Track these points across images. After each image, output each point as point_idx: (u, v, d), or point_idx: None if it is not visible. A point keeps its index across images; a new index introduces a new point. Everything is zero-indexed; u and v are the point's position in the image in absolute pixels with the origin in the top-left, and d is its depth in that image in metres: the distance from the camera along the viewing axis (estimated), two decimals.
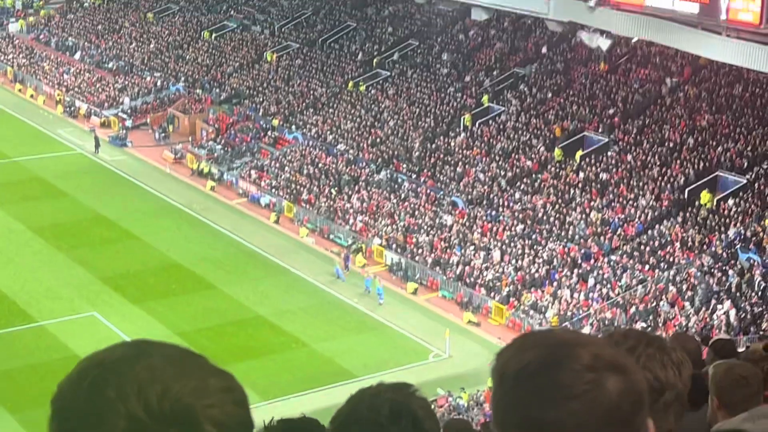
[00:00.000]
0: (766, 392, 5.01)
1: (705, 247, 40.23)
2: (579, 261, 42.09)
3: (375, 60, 60.72)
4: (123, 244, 46.90)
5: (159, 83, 66.75)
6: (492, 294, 41.98)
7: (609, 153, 47.11)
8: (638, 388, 1.69)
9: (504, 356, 1.73)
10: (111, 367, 1.34)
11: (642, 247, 41.44)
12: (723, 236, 40.17)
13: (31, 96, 69.19)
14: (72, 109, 66.05)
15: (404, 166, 51.28)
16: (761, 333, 33.09)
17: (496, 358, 1.74)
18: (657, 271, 40.05)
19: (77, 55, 72.84)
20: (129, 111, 64.24)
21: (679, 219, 42.08)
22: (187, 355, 1.38)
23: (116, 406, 1.30)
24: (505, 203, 46.45)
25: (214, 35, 69.91)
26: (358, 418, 2.54)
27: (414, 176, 50.39)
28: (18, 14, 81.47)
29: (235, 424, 1.35)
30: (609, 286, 40.31)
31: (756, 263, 38.17)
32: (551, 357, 1.67)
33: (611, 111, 49.51)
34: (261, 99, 61.60)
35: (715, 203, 41.94)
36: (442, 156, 51.04)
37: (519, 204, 46.12)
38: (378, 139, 54.03)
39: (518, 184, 47.46)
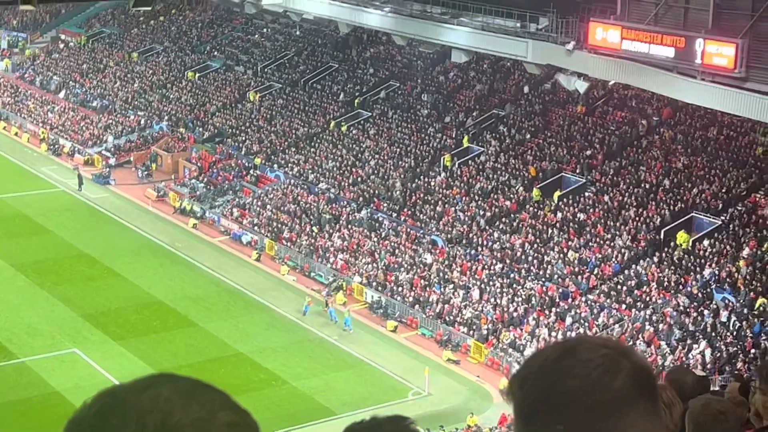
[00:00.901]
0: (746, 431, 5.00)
1: (681, 287, 40.34)
2: (557, 300, 42.13)
3: (356, 100, 60.94)
4: (105, 282, 46.71)
5: (143, 122, 66.78)
6: (471, 332, 41.93)
7: (586, 193, 47.29)
8: (650, 368, 1.78)
9: (523, 363, 1.81)
10: (120, 395, 1.36)
11: (619, 286, 41.52)
12: (698, 276, 40.29)
13: (16, 134, 69.07)
14: (56, 147, 65.95)
15: (385, 205, 51.34)
16: (736, 372, 33.10)
17: (517, 370, 1.81)
18: (633, 310, 40.12)
19: (62, 94, 72.85)
20: (112, 149, 64.21)
21: (656, 259, 42.20)
22: (202, 387, 1.38)
23: (117, 431, 1.31)
24: (484, 242, 46.50)
25: (197, 75, 70.04)
26: None
27: (394, 215, 50.43)
28: (3, 53, 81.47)
29: None
30: (586, 325, 40.33)
31: (731, 303, 38.28)
32: (568, 344, 1.78)
33: (588, 152, 49.74)
34: (243, 138, 61.67)
35: (690, 244, 42.09)
36: (422, 195, 51.12)
37: (498, 243, 46.17)
38: (359, 179, 54.11)
39: (497, 223, 47.55)
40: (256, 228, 52.60)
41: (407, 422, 2.54)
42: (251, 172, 58.28)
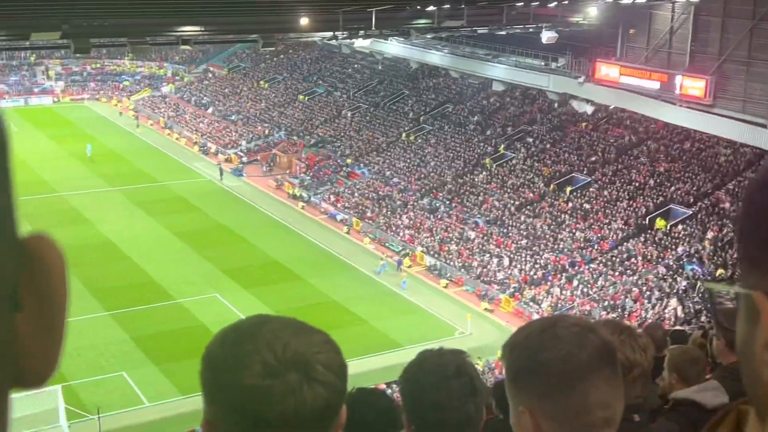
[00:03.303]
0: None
1: (660, 259, 39.71)
2: (567, 267, 41.74)
3: (421, 118, 60.79)
4: (238, 246, 47.27)
5: (267, 131, 67.37)
6: (502, 289, 41.72)
7: (591, 189, 46.72)
8: (612, 343, 1.69)
9: (511, 337, 1.73)
10: (245, 330, 1.39)
11: (613, 258, 40.99)
12: (673, 252, 39.62)
13: (176, 138, 70.13)
14: (205, 148, 66.84)
15: (441, 194, 51.23)
16: (700, 324, 32.53)
17: (508, 339, 1.73)
18: (624, 276, 39.61)
19: (210, 110, 73.78)
20: (245, 151, 64.89)
21: (642, 239, 41.58)
22: (295, 321, 1.44)
23: (253, 355, 1.34)
24: (514, 224, 46.20)
25: (307, 98, 70.43)
26: (428, 372, 2.45)
27: (448, 202, 50.31)
28: (168, 80, 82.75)
29: (336, 365, 1.38)
30: (588, 286, 39.90)
31: (698, 273, 37.60)
32: (547, 323, 1.70)
33: (593, 158, 49.09)
34: (339, 144, 61.92)
35: (668, 228, 41.41)
36: (468, 188, 50.91)
37: (524, 225, 45.84)
38: (422, 175, 54.03)
39: (523, 210, 47.20)
40: (347, 209, 52.83)
41: (464, 355, 2.54)
42: (344, 169, 58.51)
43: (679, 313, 35.44)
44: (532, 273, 41.93)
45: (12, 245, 0.82)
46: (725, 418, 1.02)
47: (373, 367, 32.32)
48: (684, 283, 37.29)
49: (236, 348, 1.36)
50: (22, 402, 28.45)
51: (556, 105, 53.70)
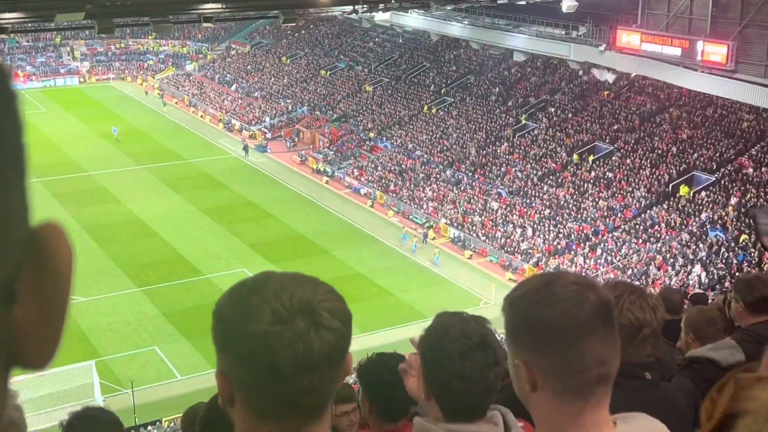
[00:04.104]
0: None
1: (683, 226, 39.44)
2: (590, 236, 41.58)
3: (443, 90, 60.50)
4: (264, 221, 47.50)
5: (290, 107, 67.41)
6: (526, 259, 41.68)
7: (613, 158, 46.38)
8: (610, 301, 1.69)
9: (512, 291, 1.74)
10: (251, 285, 1.45)
11: (637, 226, 40.77)
12: (697, 219, 39.33)
13: (201, 116, 70.40)
14: (229, 125, 67.05)
15: (463, 166, 51.09)
16: (724, 289, 32.36)
17: (509, 293, 1.74)
18: (648, 243, 39.40)
19: (233, 87, 73.90)
20: (269, 127, 65.03)
21: (665, 206, 41.29)
22: (300, 274, 1.50)
23: (261, 305, 1.39)
24: (537, 194, 46.02)
25: (328, 72, 70.30)
26: (452, 339, 2.39)
27: (471, 174, 50.18)
28: (192, 58, 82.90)
29: (340, 312, 1.45)
30: (612, 254, 39.76)
31: (721, 239, 37.33)
32: (546, 279, 1.69)
33: (615, 127, 48.68)
34: (361, 118, 61.84)
35: (691, 195, 41.07)
36: (491, 159, 50.72)
37: (546, 195, 45.66)
38: (445, 147, 53.88)
39: (546, 180, 46.98)
40: (370, 183, 52.87)
41: (486, 322, 2.51)
42: (367, 143, 58.48)
43: (704, 279, 35.24)
44: (555, 243, 41.82)
45: (20, 236, 0.79)
46: (725, 386, 0.96)
47: (398, 338, 32.47)
48: (707, 249, 37.04)
49: (245, 300, 1.41)
50: (56, 377, 28.99)
51: (580, 73, 53.19)
